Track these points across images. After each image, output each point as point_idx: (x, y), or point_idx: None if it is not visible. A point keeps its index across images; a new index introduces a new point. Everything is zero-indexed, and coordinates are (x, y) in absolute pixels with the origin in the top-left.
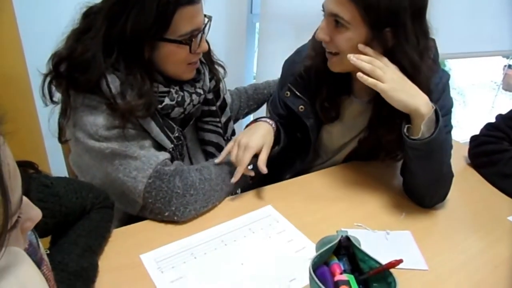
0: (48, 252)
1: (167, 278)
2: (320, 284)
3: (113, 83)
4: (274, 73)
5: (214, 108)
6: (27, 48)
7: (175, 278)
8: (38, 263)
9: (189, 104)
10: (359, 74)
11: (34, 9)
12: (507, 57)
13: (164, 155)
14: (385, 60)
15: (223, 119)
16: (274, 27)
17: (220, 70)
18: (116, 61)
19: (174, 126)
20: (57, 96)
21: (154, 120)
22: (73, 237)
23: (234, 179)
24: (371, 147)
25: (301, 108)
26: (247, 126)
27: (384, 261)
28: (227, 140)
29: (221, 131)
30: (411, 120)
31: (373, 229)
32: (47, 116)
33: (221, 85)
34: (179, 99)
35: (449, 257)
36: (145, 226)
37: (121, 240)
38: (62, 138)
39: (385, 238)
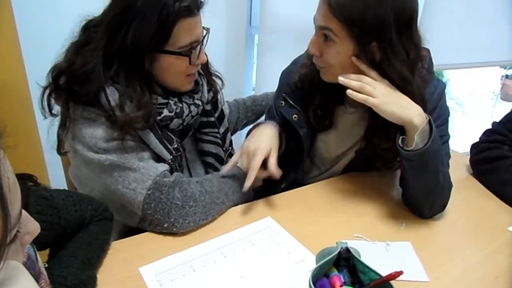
0: (47, 265)
1: None
2: None
3: (112, 95)
4: (273, 84)
5: (212, 119)
6: (27, 60)
7: None
8: (36, 277)
9: (187, 115)
10: (349, 92)
11: (34, 21)
12: (505, 68)
13: (163, 167)
14: (374, 74)
15: (221, 130)
16: (273, 39)
17: (218, 81)
18: (116, 73)
19: (173, 137)
20: (56, 108)
21: (153, 131)
22: (72, 250)
23: (247, 184)
24: (369, 158)
25: (295, 117)
26: (249, 131)
27: (384, 272)
28: (226, 151)
29: (220, 141)
30: (405, 131)
31: (373, 240)
32: (47, 128)
33: (219, 97)
34: (178, 110)
35: (450, 268)
36: (145, 239)
37: (120, 252)
38: (61, 149)
39: (385, 249)
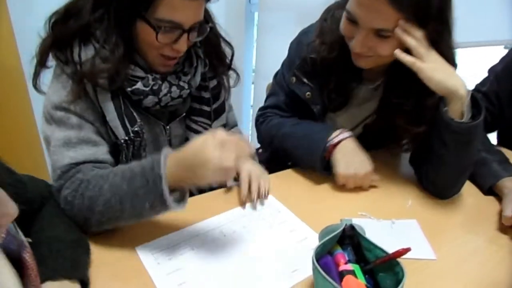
0: (30, 241)
1: (164, 270)
2: (324, 274)
3: (86, 51)
4: (274, 66)
5: (208, 108)
6: (21, 47)
7: (171, 270)
8: (18, 250)
9: (165, 95)
10: (397, 52)
11: (27, 5)
12: (508, 47)
13: (73, 159)
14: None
15: (216, 125)
16: (274, 17)
17: (234, 77)
18: (100, 19)
19: (137, 120)
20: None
21: (115, 103)
22: (47, 220)
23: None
24: (377, 134)
25: (308, 95)
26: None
27: (390, 250)
28: None
29: None
30: (446, 103)
31: (377, 218)
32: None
33: (223, 90)
34: (155, 87)
35: (458, 246)
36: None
37: (117, 232)
38: (36, 83)
39: (390, 227)
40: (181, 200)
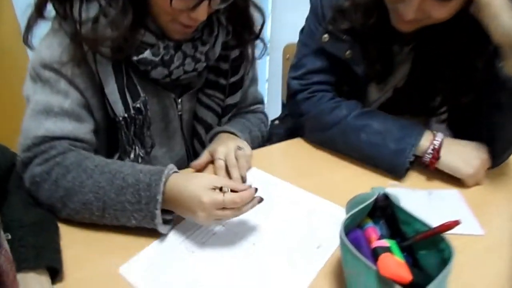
0: (10, 237)
1: (164, 285)
2: (356, 253)
3: (89, 9)
4: (290, 37)
5: (224, 81)
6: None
7: (175, 284)
8: None
9: (178, 67)
10: None
11: None
12: None
13: (51, 130)
14: None
15: (229, 101)
16: None
17: (260, 46)
18: None
19: (141, 94)
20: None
21: (116, 73)
22: (7, 200)
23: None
24: (408, 98)
25: (348, 54)
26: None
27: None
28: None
29: (220, 111)
30: (504, 57)
31: (412, 188)
32: None
33: (244, 62)
34: (166, 57)
35: (508, 220)
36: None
37: (90, 251)
38: (27, 37)
39: (427, 198)
40: (169, 220)
